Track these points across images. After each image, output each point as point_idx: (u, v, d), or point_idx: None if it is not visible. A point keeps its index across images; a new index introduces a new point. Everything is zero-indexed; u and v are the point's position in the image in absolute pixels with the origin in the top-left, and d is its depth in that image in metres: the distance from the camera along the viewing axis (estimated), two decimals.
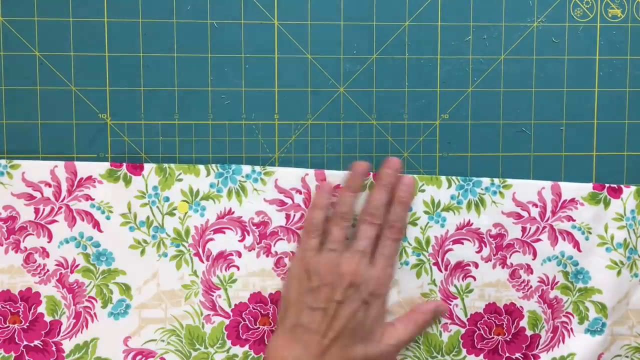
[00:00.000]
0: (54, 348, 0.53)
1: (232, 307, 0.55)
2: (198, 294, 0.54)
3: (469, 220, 0.55)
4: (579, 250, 0.56)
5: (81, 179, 0.53)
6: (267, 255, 0.54)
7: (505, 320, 0.56)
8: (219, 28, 0.55)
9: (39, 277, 0.53)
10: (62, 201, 0.53)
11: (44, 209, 0.53)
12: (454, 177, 0.55)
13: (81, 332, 0.54)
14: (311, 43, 0.55)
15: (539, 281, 0.56)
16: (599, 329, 0.56)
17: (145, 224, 0.54)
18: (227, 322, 0.55)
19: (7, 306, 0.53)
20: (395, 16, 0.55)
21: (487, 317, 0.56)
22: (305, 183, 0.55)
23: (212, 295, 0.54)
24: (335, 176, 0.55)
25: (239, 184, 0.54)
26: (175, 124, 0.55)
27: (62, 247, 0.53)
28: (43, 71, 0.54)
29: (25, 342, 0.53)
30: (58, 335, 0.54)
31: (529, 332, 0.56)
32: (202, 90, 0.55)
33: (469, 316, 0.56)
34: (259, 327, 0.55)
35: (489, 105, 0.56)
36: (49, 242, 0.53)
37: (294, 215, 0.55)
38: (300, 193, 0.55)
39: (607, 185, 0.56)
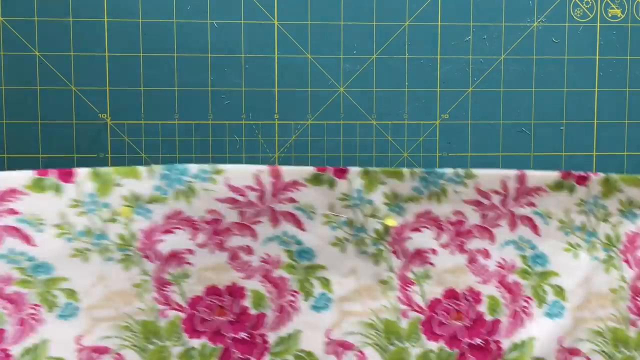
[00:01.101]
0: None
1: (188, 301, 0.54)
2: (151, 291, 0.53)
3: (430, 209, 0.55)
4: (537, 234, 0.56)
5: (3, 192, 0.48)
6: (222, 250, 0.54)
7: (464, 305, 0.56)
8: (219, 28, 0.55)
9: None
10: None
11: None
12: (417, 169, 0.54)
13: (28, 336, 0.51)
14: (311, 43, 0.55)
15: (497, 266, 0.56)
16: (558, 313, 0.56)
17: (85, 234, 0.50)
18: (183, 315, 0.54)
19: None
20: (395, 16, 0.55)
21: (446, 303, 0.56)
22: (259, 180, 0.53)
23: (166, 291, 0.53)
24: (291, 172, 0.52)
25: (186, 185, 0.50)
26: (175, 124, 0.55)
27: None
28: (43, 71, 0.54)
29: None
30: (2, 342, 0.51)
31: (488, 317, 0.56)
32: (202, 90, 0.55)
33: (428, 302, 0.56)
34: (215, 319, 0.55)
35: (489, 105, 0.56)
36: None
37: (248, 212, 0.52)
38: (254, 190, 0.52)
39: (574, 172, 0.55)
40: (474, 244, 0.55)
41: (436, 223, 0.55)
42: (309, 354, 0.54)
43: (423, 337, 0.56)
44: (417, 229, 0.55)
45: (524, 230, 0.55)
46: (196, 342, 0.54)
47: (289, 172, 0.52)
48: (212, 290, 0.54)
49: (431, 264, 0.55)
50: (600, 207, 0.55)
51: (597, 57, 0.57)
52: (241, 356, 0.54)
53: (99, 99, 0.54)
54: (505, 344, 0.56)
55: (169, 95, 0.55)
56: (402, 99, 0.56)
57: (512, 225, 0.55)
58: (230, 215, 0.53)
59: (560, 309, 0.56)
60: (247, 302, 0.54)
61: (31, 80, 0.54)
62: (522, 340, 0.56)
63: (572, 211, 0.55)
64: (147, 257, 0.52)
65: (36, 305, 0.51)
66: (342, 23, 0.55)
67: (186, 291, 0.53)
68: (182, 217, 0.51)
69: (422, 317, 0.56)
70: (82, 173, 0.49)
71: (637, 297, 0.56)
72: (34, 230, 0.49)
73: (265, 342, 0.54)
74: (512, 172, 0.55)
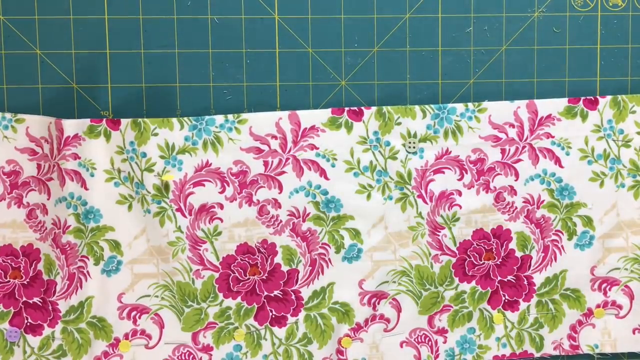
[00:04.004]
0: (50, 307, 0.53)
1: (220, 260, 0.55)
2: (185, 249, 0.54)
3: (447, 149, 0.55)
4: (561, 167, 0.56)
5: (68, 137, 0.52)
6: (250, 205, 0.54)
7: (494, 244, 0.56)
8: (220, 23, 0.55)
9: (40, 233, 0.53)
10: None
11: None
12: (427, 106, 0.55)
13: (75, 293, 0.53)
14: (312, 37, 0.55)
15: (524, 202, 0.56)
16: (587, 242, 0.56)
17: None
18: (216, 275, 0.55)
19: (9, 261, 0.53)
20: (396, 9, 0.55)
21: (477, 244, 0.56)
22: (280, 127, 0.54)
23: (199, 250, 0.54)
24: (310, 117, 0.54)
25: (213, 134, 0.54)
26: None
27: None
28: (44, 69, 0.54)
29: (24, 299, 0.53)
30: (54, 295, 0.53)
31: (518, 254, 0.56)
32: (204, 85, 0.55)
33: (458, 245, 0.56)
34: (249, 278, 0.55)
35: (491, 96, 0.56)
36: (48, 199, 0.53)
37: (272, 161, 0.54)
38: (276, 138, 0.54)
39: (582, 98, 0.56)
40: (498, 181, 0.55)
41: (458, 163, 0.55)
42: (344, 305, 0.55)
43: (455, 279, 0.56)
44: (439, 171, 0.55)
45: (546, 163, 0.55)
46: (232, 302, 0.55)
47: (306, 116, 0.54)
48: (243, 248, 0.55)
49: (459, 205, 0.56)
50: (617, 132, 0.55)
51: (599, 46, 0.57)
52: (276, 314, 0.55)
53: (100, 96, 0.55)
54: (537, 279, 0.56)
55: (170, 92, 0.55)
56: (404, 91, 0.56)
57: (534, 159, 0.55)
58: (256, 167, 0.54)
59: (590, 239, 0.56)
60: (278, 259, 0.55)
61: (33, 78, 0.54)
62: (554, 275, 0.56)
63: (591, 139, 0.55)
64: (179, 210, 0.54)
65: (84, 257, 0.53)
66: (342, 16, 0.55)
67: (218, 249, 0.54)
68: (210, 169, 0.54)
69: (453, 260, 0.56)
70: (124, 122, 0.53)
71: None
72: (87, 174, 0.53)
73: (299, 298, 0.55)
74: (522, 102, 0.55)
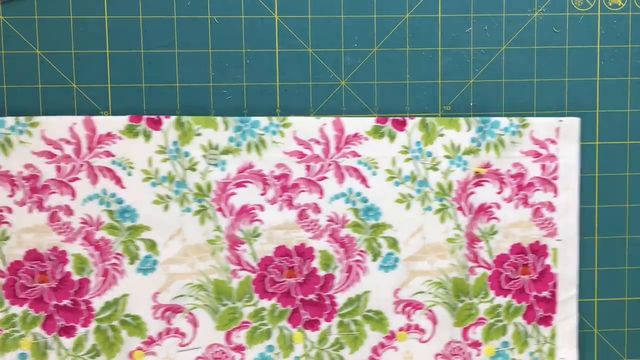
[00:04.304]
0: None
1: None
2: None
3: (250, 163, 0.54)
4: (367, 186, 0.55)
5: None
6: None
7: (297, 262, 0.55)
8: (220, 23, 0.55)
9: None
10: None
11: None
12: (230, 118, 0.54)
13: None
14: (312, 37, 0.55)
15: (328, 220, 0.55)
16: (392, 264, 0.56)
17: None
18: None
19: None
20: (396, 9, 0.55)
21: (279, 261, 0.55)
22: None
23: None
24: (107, 123, 0.54)
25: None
26: None
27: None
28: (44, 69, 0.54)
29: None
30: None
31: (321, 273, 0.55)
32: (204, 86, 0.55)
33: (259, 260, 0.55)
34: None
35: (491, 96, 0.56)
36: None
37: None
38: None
39: (390, 118, 0.55)
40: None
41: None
42: (136, 317, 0.55)
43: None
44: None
45: (351, 182, 0.55)
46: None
47: (103, 123, 0.53)
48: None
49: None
50: (426, 154, 0.55)
51: (598, 46, 0.57)
52: (65, 323, 0.54)
53: (100, 96, 0.55)
54: (340, 299, 0.56)
55: (170, 92, 0.55)
56: (404, 91, 0.56)
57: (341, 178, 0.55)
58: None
59: (394, 261, 0.56)
60: (69, 267, 0.54)
61: (33, 78, 0.54)
62: (356, 295, 0.56)
63: (399, 160, 0.55)
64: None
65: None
66: (342, 16, 0.55)
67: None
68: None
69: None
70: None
71: (473, 244, 0.56)
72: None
73: (90, 308, 0.55)
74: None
